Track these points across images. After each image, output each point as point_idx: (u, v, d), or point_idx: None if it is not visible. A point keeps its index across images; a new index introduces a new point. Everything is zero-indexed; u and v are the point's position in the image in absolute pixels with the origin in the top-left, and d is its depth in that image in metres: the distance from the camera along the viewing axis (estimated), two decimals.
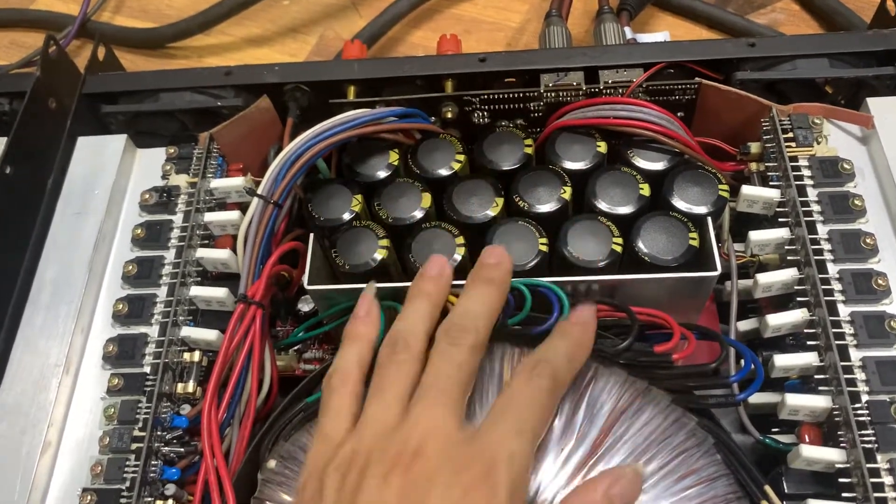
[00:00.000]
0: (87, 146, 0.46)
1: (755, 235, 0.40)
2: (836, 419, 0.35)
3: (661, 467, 0.34)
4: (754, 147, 0.44)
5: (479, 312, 0.34)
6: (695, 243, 0.39)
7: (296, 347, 0.45)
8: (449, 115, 0.46)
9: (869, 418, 0.34)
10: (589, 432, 0.35)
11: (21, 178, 0.44)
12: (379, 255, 0.41)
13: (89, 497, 0.36)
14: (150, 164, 0.46)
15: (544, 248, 0.40)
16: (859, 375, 0.35)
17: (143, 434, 0.37)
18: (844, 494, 0.33)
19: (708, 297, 0.41)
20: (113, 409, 0.38)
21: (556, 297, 0.37)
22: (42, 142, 0.45)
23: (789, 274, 0.39)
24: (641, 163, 0.42)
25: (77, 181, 0.44)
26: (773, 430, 0.38)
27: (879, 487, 0.32)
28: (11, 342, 0.40)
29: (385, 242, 0.41)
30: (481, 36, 0.61)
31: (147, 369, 0.39)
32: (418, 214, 0.42)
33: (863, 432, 0.33)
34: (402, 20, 0.61)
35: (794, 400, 0.36)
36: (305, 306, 0.45)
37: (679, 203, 0.41)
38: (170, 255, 0.42)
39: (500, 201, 0.42)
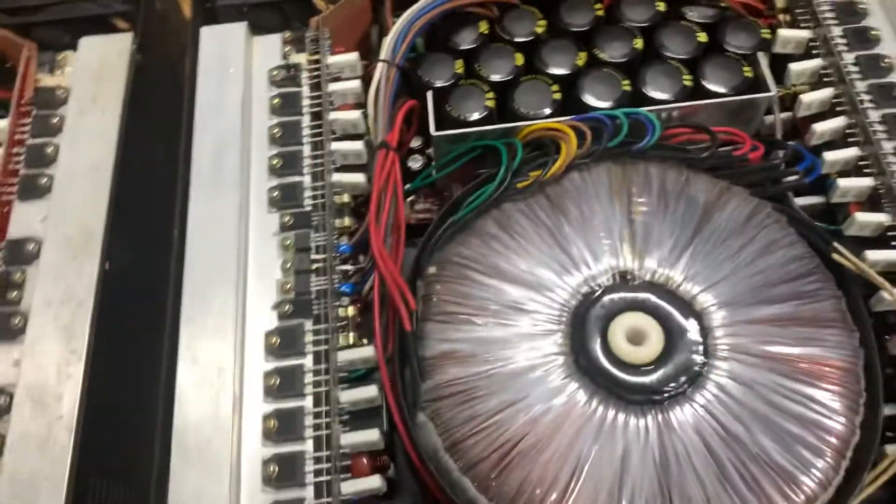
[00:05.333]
0: (211, 34, 0.51)
1: (795, 66, 0.49)
2: (880, 191, 0.44)
3: (751, 239, 0.43)
4: (780, 2, 0.53)
5: None
6: (749, 74, 0.48)
7: (410, 198, 0.52)
8: None
9: None
10: (691, 219, 0.44)
11: (158, 65, 0.50)
12: (489, 104, 0.48)
13: (287, 307, 0.43)
14: (268, 49, 0.52)
15: (627, 89, 0.48)
16: (893, 160, 0.44)
17: (321, 256, 0.44)
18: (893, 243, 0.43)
19: (759, 120, 0.50)
20: (289, 241, 0.45)
21: (648, 120, 0.46)
22: (168, 31, 0.51)
23: (827, 92, 0.48)
24: (697, 17, 0.51)
25: (211, 62, 0.50)
26: None
27: None
28: (187, 200, 0.46)
29: (491, 95, 0.49)
30: None
31: (309, 208, 0.46)
32: (515, 71, 0.50)
33: None
34: None
35: (844, 182, 0.45)
36: (415, 163, 0.53)
37: (732, 45, 0.49)
38: (306, 120, 0.48)
39: (584, 55, 0.50)
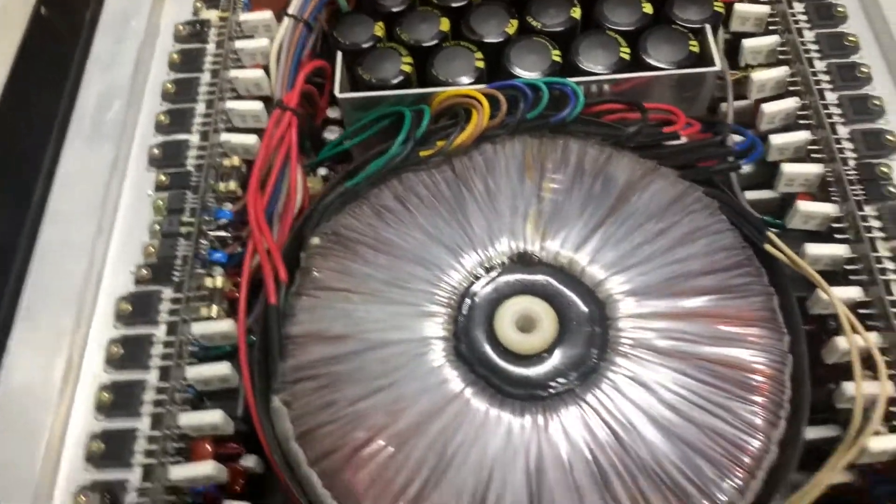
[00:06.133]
0: None
1: (749, 43, 0.44)
2: (829, 179, 0.38)
3: (672, 224, 0.38)
4: None
5: None
6: (695, 49, 0.43)
7: (323, 173, 0.48)
8: None
9: (858, 177, 0.38)
10: (606, 199, 0.38)
11: (69, 19, 0.47)
12: (405, 69, 0.44)
13: (144, 271, 0.38)
14: (180, 4, 0.48)
15: (557, 59, 0.43)
16: (847, 146, 0.39)
17: (191, 220, 0.39)
18: (836, 236, 0.37)
19: (707, 100, 0.45)
20: (161, 202, 0.40)
21: (571, 90, 0.41)
22: None
23: (782, 71, 0.42)
24: None
25: (113, 16, 0.47)
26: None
27: (868, 230, 0.36)
28: (60, 150, 0.42)
29: (408, 59, 0.44)
30: None
31: (191, 168, 0.41)
32: (438, 36, 0.45)
33: (853, 188, 0.37)
34: None
35: (790, 168, 0.39)
36: (331, 134, 0.48)
37: (680, 15, 0.44)
38: (206, 77, 0.44)
39: (515, 22, 0.45)
